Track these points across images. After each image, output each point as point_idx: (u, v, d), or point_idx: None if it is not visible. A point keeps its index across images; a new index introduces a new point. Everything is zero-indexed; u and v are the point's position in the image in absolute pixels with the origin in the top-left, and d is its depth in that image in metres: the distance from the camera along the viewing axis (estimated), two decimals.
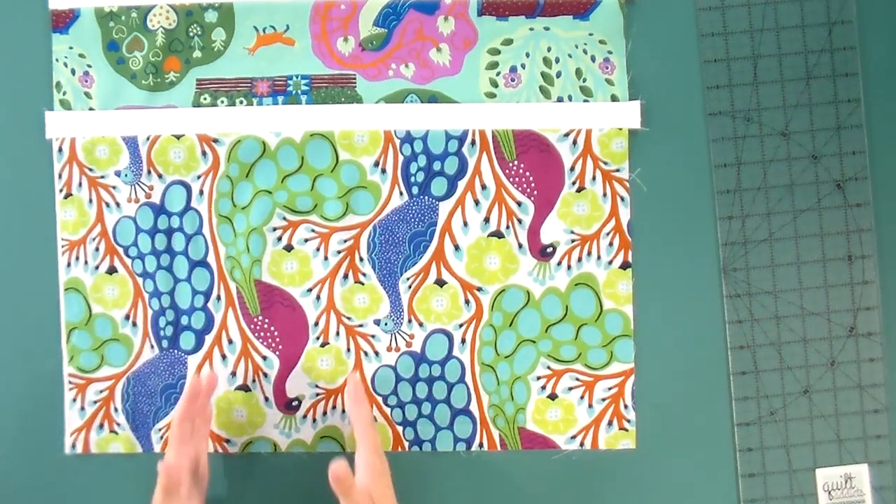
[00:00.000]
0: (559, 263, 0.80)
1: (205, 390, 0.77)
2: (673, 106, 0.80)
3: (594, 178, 0.80)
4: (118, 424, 0.82)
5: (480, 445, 0.81)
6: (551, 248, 0.81)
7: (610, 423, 0.81)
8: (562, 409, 0.81)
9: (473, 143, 0.80)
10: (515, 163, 0.80)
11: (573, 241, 0.80)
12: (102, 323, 0.81)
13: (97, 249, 0.81)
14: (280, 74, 0.81)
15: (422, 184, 0.80)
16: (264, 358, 0.81)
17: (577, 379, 0.81)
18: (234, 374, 0.81)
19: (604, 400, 0.81)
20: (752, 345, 0.80)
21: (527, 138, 0.80)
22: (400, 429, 0.81)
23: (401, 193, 0.81)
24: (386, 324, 0.81)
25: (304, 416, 0.81)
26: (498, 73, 0.80)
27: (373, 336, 0.81)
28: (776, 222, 0.80)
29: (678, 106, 0.81)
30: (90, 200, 0.81)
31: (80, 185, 0.81)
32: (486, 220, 0.81)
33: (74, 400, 0.82)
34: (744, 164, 0.80)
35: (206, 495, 0.76)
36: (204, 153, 0.81)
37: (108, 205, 0.81)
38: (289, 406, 0.81)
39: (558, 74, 0.80)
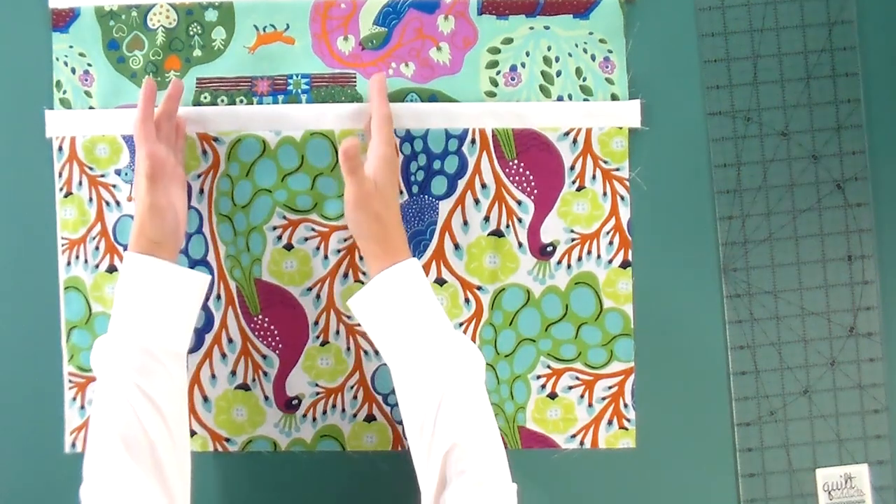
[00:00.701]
0: (559, 262, 0.80)
1: (171, 93, 0.76)
2: (673, 106, 0.81)
3: (594, 177, 0.80)
4: None
5: None
6: (551, 247, 0.81)
7: (610, 423, 0.81)
8: (562, 409, 0.81)
9: (473, 141, 0.80)
10: (515, 162, 0.80)
11: (573, 240, 0.80)
12: (102, 322, 0.81)
13: (97, 248, 0.81)
14: (280, 73, 0.81)
15: (422, 183, 0.80)
16: (264, 357, 0.81)
17: (577, 378, 0.81)
18: (234, 373, 0.81)
19: (604, 399, 0.81)
20: (752, 345, 0.80)
21: (527, 137, 0.80)
22: (400, 428, 0.81)
23: (401, 192, 0.81)
24: None
25: (304, 415, 0.81)
26: (498, 72, 0.80)
27: None
28: (776, 222, 0.80)
29: (678, 106, 0.81)
30: (90, 199, 0.81)
31: (81, 183, 0.81)
32: (486, 219, 0.81)
33: (74, 399, 0.82)
34: (744, 164, 0.80)
35: (187, 203, 0.77)
36: (204, 152, 0.81)
37: (108, 203, 0.81)
38: (289, 405, 0.81)
39: (558, 73, 0.80)
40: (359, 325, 0.81)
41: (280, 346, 0.81)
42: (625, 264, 0.80)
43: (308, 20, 0.81)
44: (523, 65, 0.80)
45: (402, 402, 0.69)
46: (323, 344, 0.81)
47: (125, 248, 0.80)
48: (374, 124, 0.75)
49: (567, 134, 0.80)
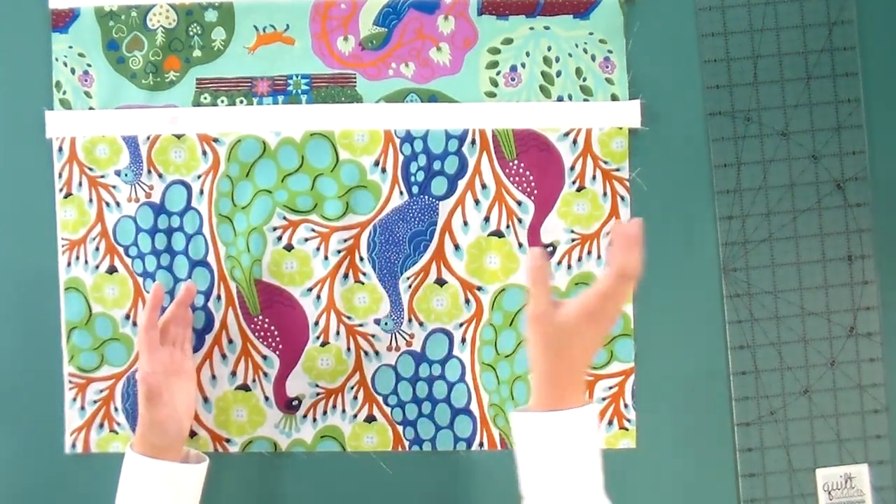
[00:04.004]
0: (559, 263, 0.80)
1: (182, 299, 0.79)
2: (673, 106, 0.80)
3: (594, 177, 0.80)
4: (118, 424, 0.82)
5: (481, 445, 0.81)
6: (551, 248, 0.81)
7: (610, 423, 0.81)
8: None
9: (473, 142, 0.80)
10: (515, 162, 0.80)
11: (573, 240, 0.80)
12: (102, 322, 0.81)
13: (97, 249, 0.81)
14: (280, 74, 0.81)
15: (422, 183, 0.80)
16: (264, 357, 0.81)
17: None
18: (234, 373, 0.81)
19: (604, 399, 0.81)
20: (752, 345, 0.80)
21: (527, 138, 0.80)
22: (400, 428, 0.81)
23: (401, 193, 0.81)
24: (386, 323, 0.81)
25: (305, 416, 0.81)
26: (498, 73, 0.80)
27: (373, 335, 0.81)
28: (776, 222, 0.80)
29: (678, 106, 0.81)
30: (90, 200, 0.81)
31: (81, 184, 0.81)
32: (487, 219, 0.81)
33: (74, 399, 0.82)
34: (744, 164, 0.80)
35: (194, 395, 0.79)
36: (204, 153, 0.81)
37: (108, 204, 0.81)
38: (289, 406, 0.81)
39: (558, 74, 0.80)
40: (359, 325, 0.81)
41: (280, 346, 0.81)
42: None
43: (308, 20, 0.81)
44: (523, 65, 0.80)
45: None
46: (323, 345, 0.81)
47: (125, 249, 0.81)
48: (607, 272, 0.64)
49: (567, 134, 0.80)
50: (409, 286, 0.81)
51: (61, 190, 0.81)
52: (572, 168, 0.80)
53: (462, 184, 0.80)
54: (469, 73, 0.80)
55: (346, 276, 0.81)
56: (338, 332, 0.81)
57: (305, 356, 0.81)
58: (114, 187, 0.81)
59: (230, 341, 0.81)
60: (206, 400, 0.81)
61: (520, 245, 0.81)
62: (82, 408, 0.82)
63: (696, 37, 0.81)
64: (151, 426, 0.73)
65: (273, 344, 0.81)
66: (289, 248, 0.81)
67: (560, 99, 0.80)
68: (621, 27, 0.80)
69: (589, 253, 0.80)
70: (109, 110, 0.81)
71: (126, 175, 0.81)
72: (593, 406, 0.65)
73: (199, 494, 0.76)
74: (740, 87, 0.80)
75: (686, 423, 0.81)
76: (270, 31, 0.81)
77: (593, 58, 0.80)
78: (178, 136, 0.81)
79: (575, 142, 0.80)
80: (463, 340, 0.81)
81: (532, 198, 0.80)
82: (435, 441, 0.81)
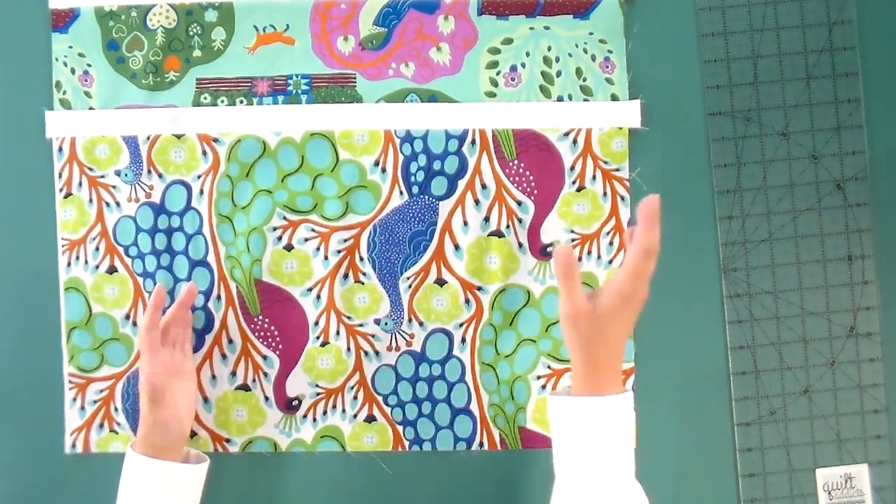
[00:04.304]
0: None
1: (183, 300, 0.79)
2: (673, 106, 0.80)
3: (594, 177, 0.80)
4: (118, 424, 0.82)
5: (480, 445, 0.81)
6: (551, 248, 0.81)
7: None
8: None
9: (473, 142, 0.80)
10: (515, 162, 0.80)
11: (573, 240, 0.80)
12: (102, 322, 0.81)
13: (97, 249, 0.81)
14: (280, 74, 0.81)
15: (422, 183, 0.80)
16: (264, 357, 0.81)
17: None
18: (234, 373, 0.81)
19: None
20: (752, 345, 0.80)
21: (527, 137, 0.80)
22: (400, 428, 0.81)
23: (401, 193, 0.81)
24: (386, 323, 0.81)
25: (305, 416, 0.81)
26: (498, 73, 0.80)
27: (373, 335, 0.81)
28: (776, 222, 0.80)
29: (678, 106, 0.81)
30: (90, 200, 0.81)
31: (81, 184, 0.81)
32: (487, 219, 0.80)
33: (74, 399, 0.82)
34: (744, 164, 0.80)
35: (194, 396, 0.79)
36: (204, 153, 0.81)
37: (108, 204, 0.81)
38: (289, 406, 0.81)
39: (558, 74, 0.80)
40: (359, 325, 0.81)
41: (280, 346, 0.81)
42: None
43: (308, 20, 0.81)
44: (523, 65, 0.80)
45: None
46: (323, 344, 0.81)
47: (125, 249, 0.81)
48: (631, 251, 0.65)
49: (567, 134, 0.80)
50: (409, 286, 0.81)
51: (61, 190, 0.81)
52: (572, 168, 0.80)
53: (462, 184, 0.80)
54: (469, 73, 0.80)
55: (346, 276, 0.81)
56: (338, 332, 0.81)
57: (305, 356, 0.81)
58: (114, 187, 0.81)
59: (230, 341, 0.81)
60: (206, 400, 0.81)
61: (520, 245, 0.81)
62: (82, 408, 0.82)
63: (696, 37, 0.81)
64: (154, 427, 0.74)
65: (273, 344, 0.81)
66: (289, 248, 0.81)
67: (560, 99, 0.80)
68: (621, 27, 0.80)
69: (589, 253, 0.80)
70: (109, 110, 0.81)
71: (126, 175, 0.81)
72: (629, 394, 0.67)
73: (199, 494, 0.76)
74: (740, 87, 0.80)
75: (686, 423, 0.81)
76: (270, 31, 0.81)
77: (593, 58, 0.80)
78: (178, 136, 0.81)
79: (575, 142, 0.80)
80: (463, 340, 0.81)
81: (532, 198, 0.80)
82: (435, 441, 0.81)
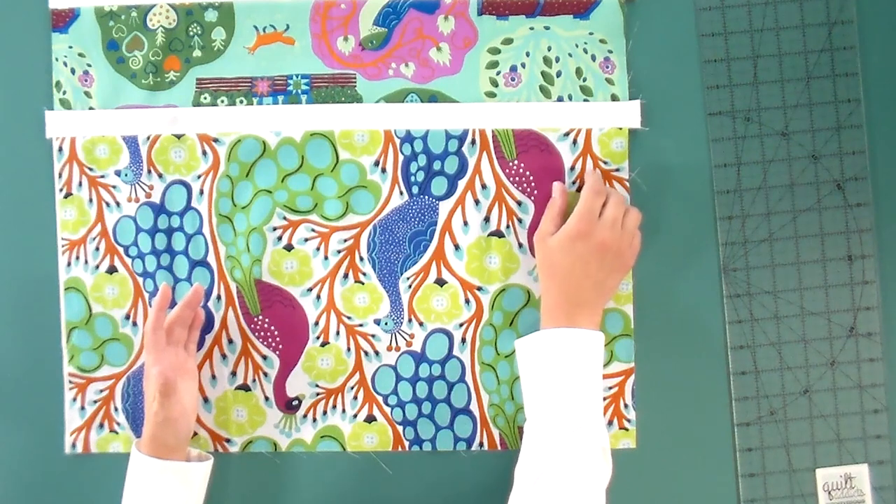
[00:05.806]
0: None
1: (189, 301, 0.78)
2: (673, 106, 0.80)
3: None
4: (118, 424, 0.82)
5: (481, 445, 0.81)
6: None
7: (610, 423, 0.81)
8: None
9: (473, 142, 0.80)
10: (515, 162, 0.80)
11: None
12: (103, 322, 0.81)
13: (97, 249, 0.81)
14: (280, 74, 0.81)
15: (422, 183, 0.80)
16: (264, 357, 0.81)
17: None
18: (234, 373, 0.81)
19: (604, 399, 0.81)
20: (752, 345, 0.80)
21: (527, 138, 0.80)
22: (400, 428, 0.81)
23: (401, 193, 0.81)
24: (386, 323, 0.81)
25: (305, 416, 0.81)
26: (498, 73, 0.80)
27: (373, 335, 0.81)
28: (776, 222, 0.80)
29: (678, 106, 0.81)
30: (90, 200, 0.81)
31: (81, 184, 0.81)
32: (487, 219, 0.81)
33: (74, 399, 0.82)
34: (744, 164, 0.80)
35: (197, 395, 0.79)
36: (204, 153, 0.81)
37: (108, 204, 0.81)
38: (289, 406, 0.81)
39: (558, 74, 0.80)
40: (359, 325, 0.81)
41: (280, 346, 0.81)
42: None
43: (308, 20, 0.81)
44: (523, 65, 0.80)
45: (524, 454, 0.71)
46: (323, 345, 0.81)
47: (125, 249, 0.81)
48: (582, 193, 0.75)
49: (567, 134, 0.80)
50: (409, 286, 0.81)
51: (61, 190, 0.81)
52: (572, 168, 0.80)
53: (462, 184, 0.80)
54: (469, 73, 0.80)
55: (346, 276, 0.81)
56: (338, 332, 0.81)
57: (305, 356, 0.81)
58: (114, 187, 0.81)
59: (230, 341, 0.81)
60: (206, 400, 0.81)
61: (520, 245, 0.81)
62: (82, 408, 0.82)
63: (696, 37, 0.81)
64: (165, 423, 0.73)
65: (273, 344, 0.81)
66: (289, 248, 0.81)
67: (560, 99, 0.80)
68: (621, 27, 0.80)
69: None
70: (109, 110, 0.81)
71: (126, 175, 0.81)
72: (599, 334, 0.72)
73: (204, 493, 0.76)
74: (740, 87, 0.80)
75: (686, 423, 0.81)
76: (270, 31, 0.81)
77: (593, 58, 0.80)
78: (178, 136, 0.81)
79: (575, 142, 0.80)
80: (463, 340, 0.81)
81: (532, 198, 0.80)
82: (435, 441, 0.81)
